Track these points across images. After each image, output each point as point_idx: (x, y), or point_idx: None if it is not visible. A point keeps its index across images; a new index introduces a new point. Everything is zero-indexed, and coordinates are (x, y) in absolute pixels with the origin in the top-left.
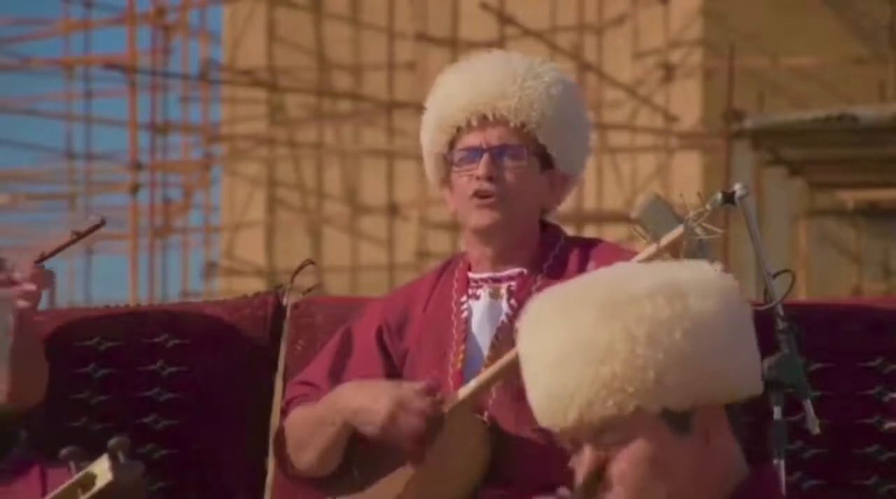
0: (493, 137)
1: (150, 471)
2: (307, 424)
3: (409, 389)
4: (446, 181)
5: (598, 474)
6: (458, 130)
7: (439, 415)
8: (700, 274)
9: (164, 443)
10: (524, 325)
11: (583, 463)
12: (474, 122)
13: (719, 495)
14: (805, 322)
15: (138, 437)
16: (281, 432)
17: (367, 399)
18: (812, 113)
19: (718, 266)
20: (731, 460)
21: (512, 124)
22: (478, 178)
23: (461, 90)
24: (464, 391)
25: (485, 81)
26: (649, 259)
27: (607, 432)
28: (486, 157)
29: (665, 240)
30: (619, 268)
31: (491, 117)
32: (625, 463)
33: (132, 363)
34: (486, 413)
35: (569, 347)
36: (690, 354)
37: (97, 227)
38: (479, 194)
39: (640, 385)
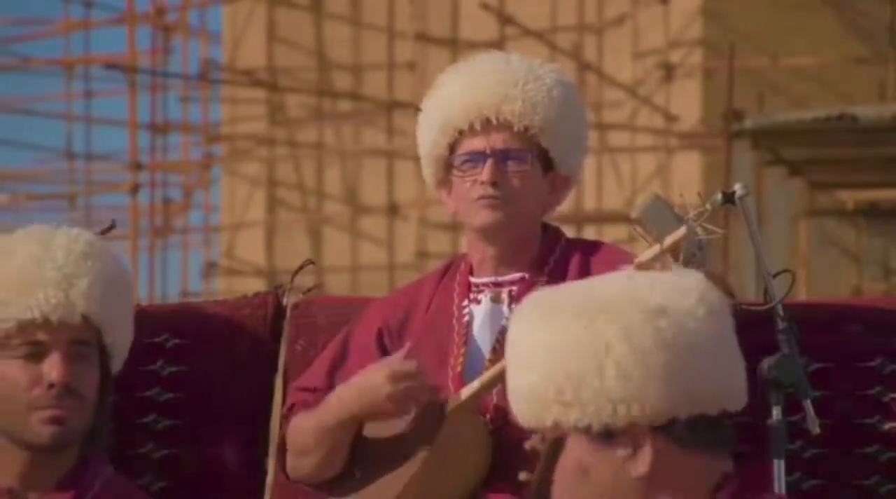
0: (497, 140)
1: (150, 471)
2: (309, 429)
3: (396, 362)
4: (444, 183)
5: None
6: (461, 132)
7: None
8: (639, 296)
9: (164, 443)
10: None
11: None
12: (477, 126)
13: None
14: (805, 322)
15: (138, 437)
16: (283, 440)
17: (361, 391)
18: (812, 113)
19: (673, 280)
20: (682, 472)
21: (516, 128)
22: (482, 183)
23: (463, 93)
24: (466, 391)
25: (487, 84)
26: (652, 260)
27: (545, 439)
28: (490, 162)
29: (668, 241)
30: (574, 283)
31: (495, 121)
32: (558, 469)
33: (132, 363)
34: (487, 415)
35: (510, 355)
36: (587, 376)
37: (108, 229)
38: (483, 198)
39: (549, 399)
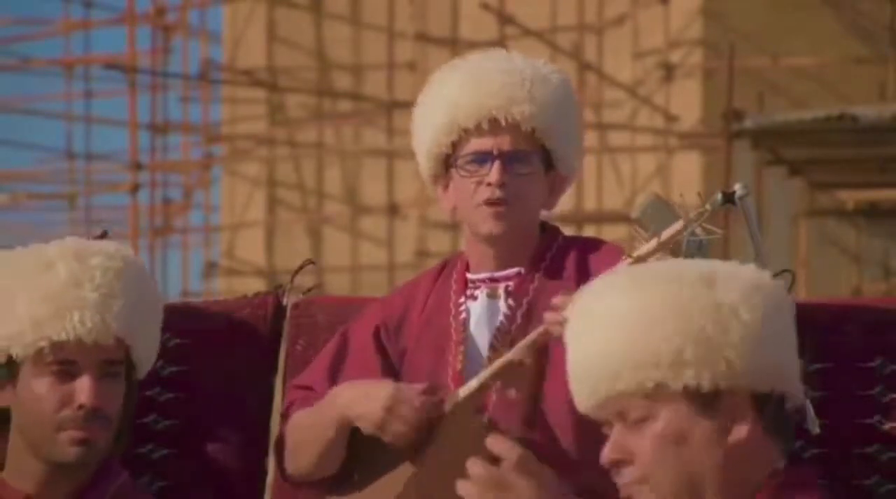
0: (505, 142)
1: (150, 471)
2: (306, 427)
3: (408, 388)
4: (441, 178)
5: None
6: (466, 131)
7: (436, 414)
8: (736, 269)
9: (164, 443)
10: (576, 308)
11: (610, 439)
12: (485, 126)
13: (743, 484)
14: (805, 322)
15: (138, 437)
16: (281, 437)
17: (364, 394)
18: (812, 113)
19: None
20: (761, 452)
21: (523, 129)
22: (489, 184)
23: (469, 93)
24: (464, 391)
25: (494, 84)
26: (649, 254)
27: (631, 410)
28: (498, 163)
29: (665, 234)
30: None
31: (503, 122)
32: (646, 444)
33: None
34: (486, 415)
35: (599, 322)
36: (710, 336)
37: (99, 238)
38: (490, 202)
39: (659, 360)
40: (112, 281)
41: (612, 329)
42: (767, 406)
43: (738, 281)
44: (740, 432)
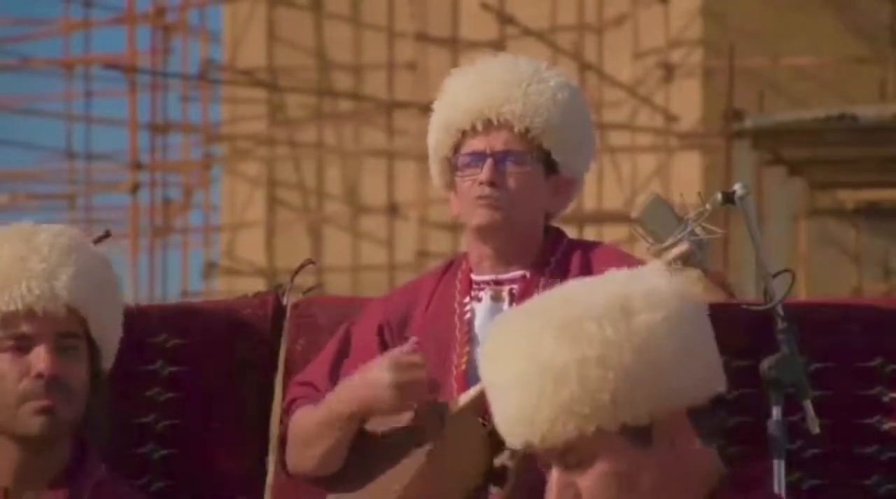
0: (497, 141)
1: (150, 471)
2: (311, 423)
3: (400, 358)
4: (451, 185)
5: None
6: (464, 133)
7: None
8: (649, 285)
9: (164, 443)
10: (486, 348)
11: (551, 483)
12: (479, 127)
13: (691, 496)
14: (805, 322)
15: (138, 437)
16: (284, 433)
17: (367, 380)
18: (812, 113)
19: (666, 271)
20: (702, 464)
21: (516, 129)
22: (481, 183)
23: (467, 94)
24: (464, 398)
25: (490, 86)
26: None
27: (571, 453)
28: (489, 162)
29: (673, 253)
30: (574, 286)
31: (496, 122)
32: (590, 483)
33: (132, 363)
34: (487, 419)
35: (527, 371)
36: (641, 369)
37: (102, 238)
38: (480, 197)
39: (596, 406)
40: (59, 255)
41: (548, 380)
42: (702, 416)
43: (655, 296)
44: (681, 450)
